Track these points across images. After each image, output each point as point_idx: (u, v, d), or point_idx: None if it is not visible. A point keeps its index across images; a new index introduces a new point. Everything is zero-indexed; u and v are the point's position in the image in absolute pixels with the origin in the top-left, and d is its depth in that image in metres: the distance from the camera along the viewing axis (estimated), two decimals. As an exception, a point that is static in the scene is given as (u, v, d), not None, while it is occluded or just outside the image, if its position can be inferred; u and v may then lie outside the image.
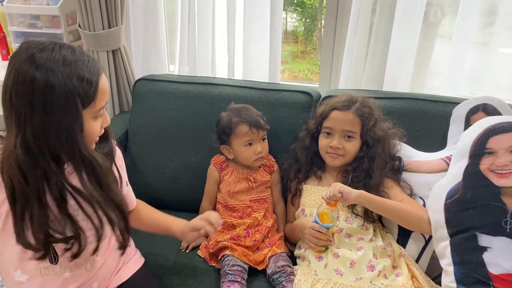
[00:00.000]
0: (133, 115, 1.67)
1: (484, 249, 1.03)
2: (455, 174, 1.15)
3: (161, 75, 1.73)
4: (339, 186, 1.20)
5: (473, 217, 1.07)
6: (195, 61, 1.79)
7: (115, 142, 1.11)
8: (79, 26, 1.75)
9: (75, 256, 0.99)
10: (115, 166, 1.07)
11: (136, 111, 1.67)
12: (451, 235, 1.09)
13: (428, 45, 1.72)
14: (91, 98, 0.89)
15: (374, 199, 1.22)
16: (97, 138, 0.99)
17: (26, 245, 0.93)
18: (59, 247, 1.00)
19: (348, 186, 1.25)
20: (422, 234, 1.25)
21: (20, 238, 0.92)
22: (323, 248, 1.26)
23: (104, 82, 0.92)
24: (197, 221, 1.16)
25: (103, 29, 1.70)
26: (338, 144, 1.32)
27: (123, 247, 1.06)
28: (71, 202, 0.94)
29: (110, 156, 1.03)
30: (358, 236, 1.27)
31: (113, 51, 1.77)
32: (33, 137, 0.85)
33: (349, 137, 1.33)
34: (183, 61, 1.83)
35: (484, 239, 1.04)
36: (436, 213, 1.14)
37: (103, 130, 0.99)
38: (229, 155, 1.42)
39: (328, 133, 1.35)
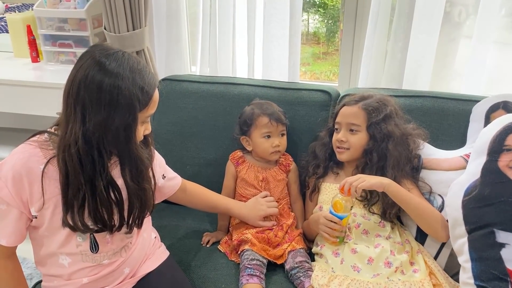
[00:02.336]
0: (156, 114, 1.70)
1: (502, 245, 1.03)
2: (473, 171, 1.15)
3: (183, 76, 1.77)
4: (357, 176, 1.21)
5: (491, 213, 1.07)
6: (216, 62, 1.84)
7: (154, 149, 1.21)
8: (105, 29, 1.82)
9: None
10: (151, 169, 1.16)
11: (159, 110, 1.68)
12: (469, 232, 1.09)
13: (452, 46, 1.71)
14: (146, 105, 1.00)
15: (401, 189, 1.22)
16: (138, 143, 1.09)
17: (72, 227, 1.02)
18: (100, 237, 1.09)
19: None
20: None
21: (69, 221, 1.01)
22: (338, 240, 1.28)
23: (157, 94, 1.05)
24: (263, 207, 1.38)
25: (128, 31, 1.76)
26: (342, 137, 1.34)
27: (128, 232, 1.13)
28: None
29: (149, 161, 1.12)
30: (375, 233, 1.28)
31: (137, 52, 1.82)
32: (94, 131, 0.95)
33: (352, 130, 1.34)
34: (204, 62, 1.88)
35: (502, 236, 1.03)
36: (454, 210, 1.14)
37: (142, 137, 1.08)
38: (248, 146, 1.46)
39: (337, 129, 1.38)
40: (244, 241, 1.34)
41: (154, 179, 1.16)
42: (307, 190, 1.49)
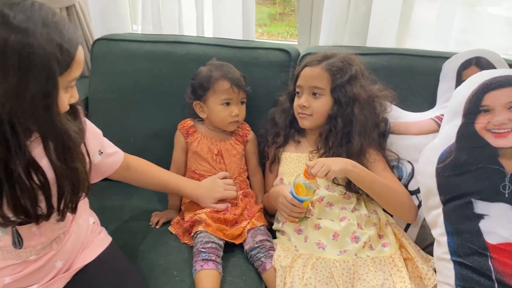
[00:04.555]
0: (92, 80, 1.51)
1: (481, 216, 0.93)
2: (447, 135, 1.04)
3: (122, 34, 1.56)
4: (323, 161, 1.07)
5: (468, 182, 0.97)
6: (160, 18, 1.62)
7: (85, 120, 1.01)
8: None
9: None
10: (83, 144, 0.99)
11: (95, 75, 1.50)
12: (444, 203, 0.99)
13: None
14: (67, 66, 0.81)
15: (363, 172, 1.10)
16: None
17: None
18: (24, 230, 0.92)
19: (328, 153, 1.17)
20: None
21: None
22: (297, 220, 1.16)
23: (81, 51, 0.85)
24: (220, 189, 1.24)
25: (54, -18, 1.50)
26: (304, 102, 1.21)
27: (60, 220, 0.96)
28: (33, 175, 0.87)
29: (79, 135, 0.94)
30: (340, 206, 1.17)
31: (67, 8, 1.58)
32: (3, 102, 0.76)
33: (315, 94, 1.21)
34: (146, 19, 1.65)
35: (480, 206, 0.94)
36: (427, 178, 1.04)
37: (68, 107, 0.89)
38: (202, 113, 1.29)
39: (298, 92, 1.24)
40: (197, 221, 1.20)
41: (89, 156, 0.99)
42: (266, 161, 1.35)
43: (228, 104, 1.26)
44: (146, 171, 1.24)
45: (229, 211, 1.23)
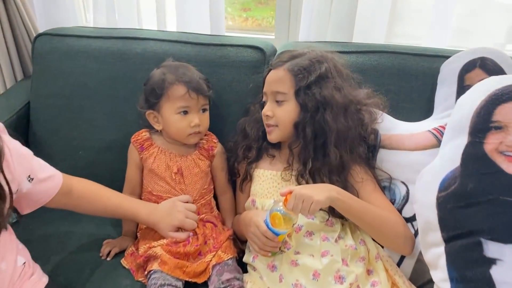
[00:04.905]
0: (34, 82, 1.29)
1: (493, 261, 0.76)
2: (450, 157, 0.86)
3: (69, 28, 1.33)
4: (302, 193, 0.88)
5: (476, 217, 0.79)
6: (114, 8, 1.39)
7: (7, 139, 0.84)
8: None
9: None
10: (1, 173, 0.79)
11: (37, 76, 1.29)
12: (447, 240, 0.82)
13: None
14: None
15: (351, 201, 0.93)
16: None
17: None
18: None
19: (304, 170, 1.00)
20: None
21: None
22: (269, 254, 0.98)
23: None
24: (180, 216, 1.05)
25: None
26: (267, 110, 1.03)
27: None
28: None
29: None
30: (321, 235, 0.98)
31: None
32: None
33: (278, 101, 1.02)
34: (99, 9, 1.42)
35: (492, 248, 0.76)
36: (425, 209, 0.86)
37: None
38: (157, 124, 1.10)
39: (265, 101, 1.06)
40: (152, 257, 1.00)
41: (8, 185, 0.80)
42: (237, 178, 1.16)
43: (185, 112, 1.06)
44: (92, 196, 1.04)
45: (190, 242, 1.03)
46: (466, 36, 1.40)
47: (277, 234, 0.93)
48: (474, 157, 0.82)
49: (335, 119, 0.98)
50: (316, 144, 0.99)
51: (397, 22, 1.40)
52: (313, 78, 0.98)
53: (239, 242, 1.12)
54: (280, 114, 1.02)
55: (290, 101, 1.01)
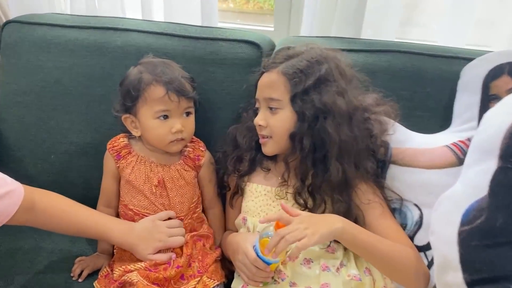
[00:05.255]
0: (1, 76, 1.15)
1: (526, 316, 0.64)
2: (475, 183, 0.73)
3: (40, 16, 1.19)
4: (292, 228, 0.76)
5: (506, 259, 0.66)
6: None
7: None
8: None
9: None
10: None
11: (5, 70, 1.15)
12: (470, 284, 0.69)
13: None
14: None
15: (359, 234, 0.80)
16: None
17: None
18: None
19: (302, 187, 0.89)
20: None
21: None
22: (261, 285, 0.86)
23: None
24: (162, 236, 0.92)
25: None
26: (260, 119, 0.90)
27: None
28: None
29: None
30: (321, 263, 0.86)
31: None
32: None
33: (271, 108, 0.89)
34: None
35: (526, 299, 0.64)
36: (444, 244, 0.73)
37: None
38: (134, 130, 0.96)
39: (258, 108, 0.94)
40: (128, 283, 0.88)
41: None
42: (227, 192, 1.03)
43: (166, 117, 0.92)
44: (57, 212, 0.91)
45: (171, 265, 0.91)
46: (490, 28, 1.24)
47: (268, 263, 0.81)
48: (506, 186, 0.69)
49: (337, 129, 0.84)
50: (316, 158, 0.86)
51: (412, 14, 1.25)
52: (311, 82, 0.85)
53: (228, 263, 1.00)
54: (274, 124, 0.88)
55: (285, 109, 0.87)
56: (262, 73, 0.92)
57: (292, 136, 0.87)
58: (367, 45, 1.08)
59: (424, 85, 1.01)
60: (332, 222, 0.77)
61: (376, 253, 0.80)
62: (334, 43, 1.08)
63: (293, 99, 0.86)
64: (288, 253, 0.82)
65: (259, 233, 0.83)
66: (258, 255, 0.81)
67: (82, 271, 0.97)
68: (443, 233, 0.74)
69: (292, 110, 0.87)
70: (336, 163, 0.85)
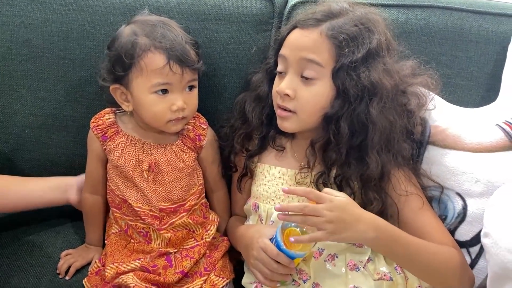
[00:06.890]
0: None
1: None
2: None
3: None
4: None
5: None
6: None
7: None
8: None
9: None
10: None
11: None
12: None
13: None
14: None
15: (394, 242, 0.69)
16: None
17: None
18: None
19: (327, 174, 0.77)
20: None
21: None
22: (278, 284, 0.75)
23: None
24: None
25: None
26: (287, 87, 0.74)
27: None
28: None
29: None
30: (347, 259, 0.75)
31: None
32: None
33: (305, 77, 0.73)
34: None
35: None
36: (504, 251, 0.61)
37: None
38: (125, 104, 0.80)
39: (281, 72, 0.78)
40: (123, 286, 0.76)
41: None
42: (233, 173, 0.89)
43: (165, 91, 0.76)
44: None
45: (172, 266, 0.79)
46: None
47: (293, 258, 0.70)
48: None
49: (382, 113, 0.71)
50: (352, 145, 0.73)
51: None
52: (362, 54, 0.70)
53: (235, 252, 0.88)
54: (305, 97, 0.73)
55: (323, 81, 0.72)
56: (294, 27, 0.75)
57: (328, 117, 0.73)
58: (398, -1, 0.92)
59: (467, 48, 0.89)
60: (363, 231, 0.66)
61: (415, 264, 0.71)
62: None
63: (337, 71, 0.71)
64: (314, 245, 0.71)
65: (280, 225, 0.71)
66: (280, 249, 0.69)
67: (69, 267, 0.85)
68: (502, 238, 0.62)
69: (331, 85, 0.72)
70: (375, 156, 0.73)
